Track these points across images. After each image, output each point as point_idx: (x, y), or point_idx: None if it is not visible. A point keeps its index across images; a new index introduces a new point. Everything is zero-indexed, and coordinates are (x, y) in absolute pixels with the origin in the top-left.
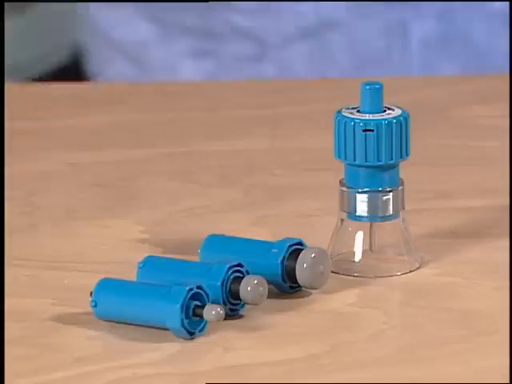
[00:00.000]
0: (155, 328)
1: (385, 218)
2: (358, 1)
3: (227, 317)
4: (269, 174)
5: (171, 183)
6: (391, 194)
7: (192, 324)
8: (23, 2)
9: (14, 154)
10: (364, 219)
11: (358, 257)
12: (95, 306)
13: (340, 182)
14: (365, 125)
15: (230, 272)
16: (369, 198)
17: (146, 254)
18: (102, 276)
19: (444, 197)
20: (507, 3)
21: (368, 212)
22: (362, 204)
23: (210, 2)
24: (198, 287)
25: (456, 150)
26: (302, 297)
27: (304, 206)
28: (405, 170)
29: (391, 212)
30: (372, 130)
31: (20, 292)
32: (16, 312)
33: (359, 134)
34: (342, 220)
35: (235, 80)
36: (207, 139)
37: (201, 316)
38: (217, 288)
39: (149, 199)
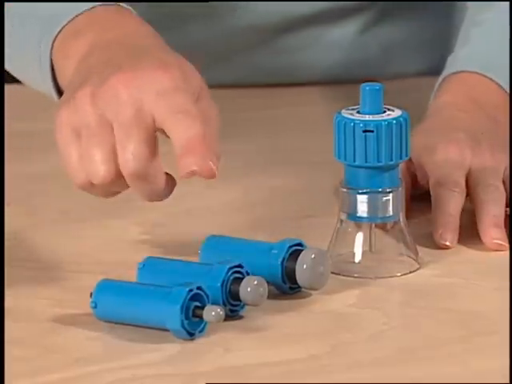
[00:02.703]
0: (155, 329)
1: (385, 219)
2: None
3: (227, 317)
4: (268, 174)
5: None
6: (391, 194)
7: (192, 325)
8: (28, 1)
9: (14, 155)
10: (364, 220)
11: (357, 258)
12: (95, 306)
13: (340, 182)
14: (365, 126)
15: (230, 273)
16: (369, 198)
17: (146, 255)
18: (102, 277)
19: None
20: (507, 3)
21: (368, 213)
22: (361, 205)
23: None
24: (198, 288)
25: None
26: (302, 297)
27: (304, 207)
28: None
29: (391, 213)
30: (372, 131)
31: (20, 293)
32: (16, 313)
33: (359, 134)
34: (342, 221)
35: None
36: None
37: (201, 317)
38: (217, 289)
39: None
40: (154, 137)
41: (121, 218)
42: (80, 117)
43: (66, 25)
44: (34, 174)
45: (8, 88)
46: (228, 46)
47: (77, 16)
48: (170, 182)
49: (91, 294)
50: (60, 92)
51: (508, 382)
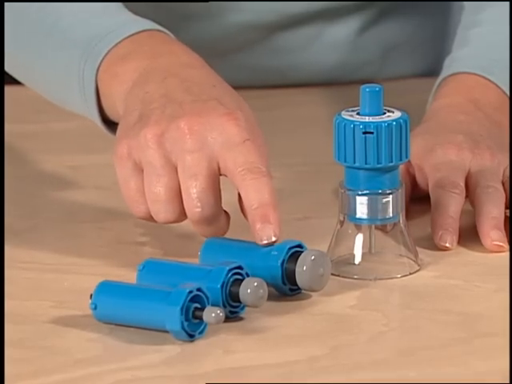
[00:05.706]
0: (155, 330)
1: (384, 221)
2: None
3: (227, 319)
4: None
5: None
6: (391, 196)
7: (192, 326)
8: (25, 1)
9: (15, 156)
10: (364, 221)
11: (357, 259)
12: (95, 308)
13: (340, 184)
14: (364, 127)
15: (229, 274)
16: (368, 200)
17: (146, 257)
18: (102, 278)
19: None
20: (507, 3)
21: (368, 214)
22: (361, 206)
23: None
24: (198, 289)
25: None
26: (302, 299)
27: (303, 208)
28: None
29: (391, 214)
30: (372, 133)
31: (20, 294)
32: (16, 314)
33: (359, 136)
34: (342, 222)
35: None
36: None
37: (200, 318)
38: (217, 290)
39: None
40: (219, 182)
41: (121, 219)
42: (144, 155)
43: (112, 48)
44: (34, 174)
45: (9, 89)
46: (225, 44)
47: (121, 40)
48: (228, 218)
49: (91, 296)
50: (102, 114)
51: (508, 383)
